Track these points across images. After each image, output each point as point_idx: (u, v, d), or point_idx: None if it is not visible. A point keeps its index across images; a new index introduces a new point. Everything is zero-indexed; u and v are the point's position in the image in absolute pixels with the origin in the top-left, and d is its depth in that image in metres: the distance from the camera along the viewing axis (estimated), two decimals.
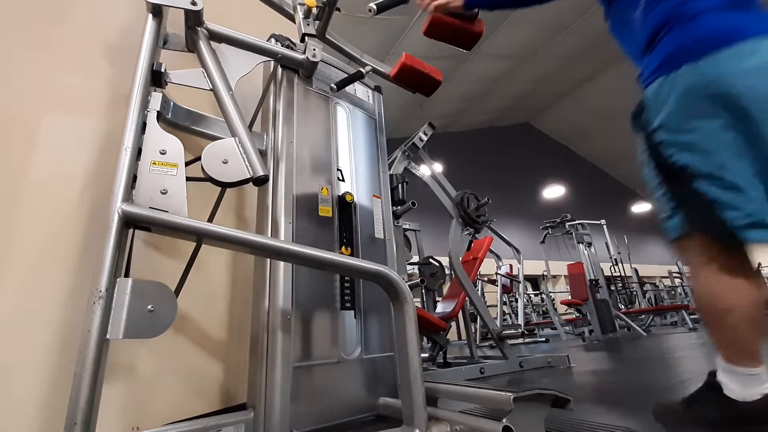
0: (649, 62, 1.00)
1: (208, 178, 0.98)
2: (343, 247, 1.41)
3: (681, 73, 0.91)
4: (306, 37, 1.48)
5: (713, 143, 0.87)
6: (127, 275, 0.95)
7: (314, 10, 1.52)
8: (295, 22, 1.59)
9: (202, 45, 1.19)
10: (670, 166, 0.92)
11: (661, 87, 0.95)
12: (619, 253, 7.31)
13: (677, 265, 9.09)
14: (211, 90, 1.15)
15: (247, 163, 1.02)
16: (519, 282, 4.99)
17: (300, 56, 1.47)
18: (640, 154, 1.03)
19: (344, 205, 1.47)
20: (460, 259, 2.71)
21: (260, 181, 1.03)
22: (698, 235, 0.90)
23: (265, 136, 1.42)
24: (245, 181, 1.02)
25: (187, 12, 1.15)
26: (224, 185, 1.02)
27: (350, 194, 1.49)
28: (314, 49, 1.46)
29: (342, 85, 1.58)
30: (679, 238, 0.94)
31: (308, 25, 1.50)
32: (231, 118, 1.09)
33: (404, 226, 3.14)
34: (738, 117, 0.84)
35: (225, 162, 1.00)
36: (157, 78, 1.05)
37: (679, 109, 0.91)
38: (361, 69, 1.59)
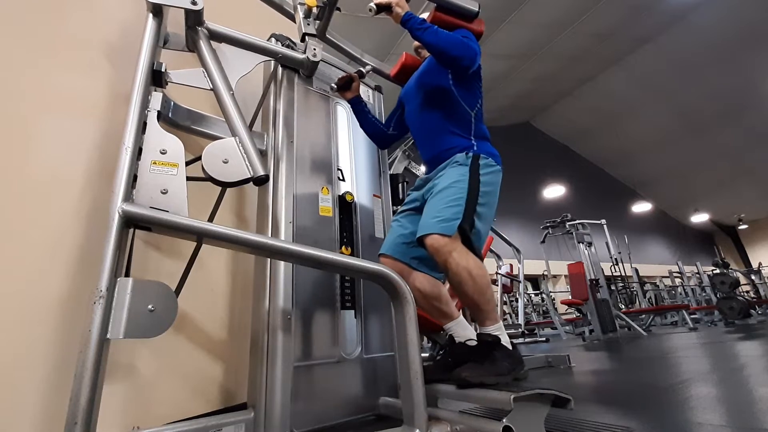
0: None
1: (209, 178, 0.98)
2: (344, 247, 1.41)
3: None
4: (306, 37, 1.48)
5: None
6: (127, 275, 0.95)
7: (314, 10, 1.52)
8: (295, 22, 1.59)
9: (203, 44, 1.19)
10: None
11: None
12: (619, 252, 7.29)
13: (678, 264, 9.10)
14: (211, 90, 1.15)
15: (247, 162, 1.02)
16: (519, 282, 4.97)
17: (300, 56, 1.47)
18: None
19: (344, 204, 1.47)
20: None
21: (260, 181, 1.03)
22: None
23: (265, 136, 1.42)
24: (245, 181, 1.02)
25: (188, 12, 1.15)
26: (224, 185, 1.03)
27: (350, 194, 1.49)
28: (314, 49, 1.46)
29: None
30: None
31: (308, 24, 1.50)
32: (231, 117, 1.09)
33: None
34: None
35: (225, 162, 1.00)
36: (157, 78, 1.05)
37: None
38: (362, 69, 1.59)
